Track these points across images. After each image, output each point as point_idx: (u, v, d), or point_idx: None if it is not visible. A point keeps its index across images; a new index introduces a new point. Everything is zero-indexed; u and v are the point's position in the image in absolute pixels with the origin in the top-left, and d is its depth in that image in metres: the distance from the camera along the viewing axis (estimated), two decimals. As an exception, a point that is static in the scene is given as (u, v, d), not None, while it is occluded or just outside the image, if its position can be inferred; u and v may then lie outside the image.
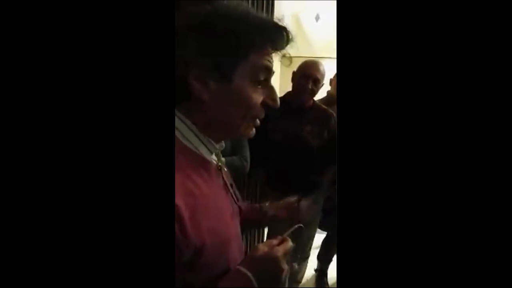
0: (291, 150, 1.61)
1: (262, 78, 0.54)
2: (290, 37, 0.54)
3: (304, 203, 0.84)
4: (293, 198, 0.84)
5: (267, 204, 0.83)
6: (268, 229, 1.90)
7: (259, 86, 0.54)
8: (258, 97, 0.54)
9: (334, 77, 2.25)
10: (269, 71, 0.55)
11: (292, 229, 0.65)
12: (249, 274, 0.53)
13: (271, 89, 0.56)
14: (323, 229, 2.07)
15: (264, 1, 1.58)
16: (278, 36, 0.53)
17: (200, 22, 0.50)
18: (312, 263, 2.19)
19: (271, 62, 0.55)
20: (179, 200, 0.46)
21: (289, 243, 0.59)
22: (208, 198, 0.52)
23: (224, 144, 0.58)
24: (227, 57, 0.50)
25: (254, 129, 0.57)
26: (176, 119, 0.53)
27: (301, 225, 0.67)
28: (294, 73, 1.69)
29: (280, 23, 0.54)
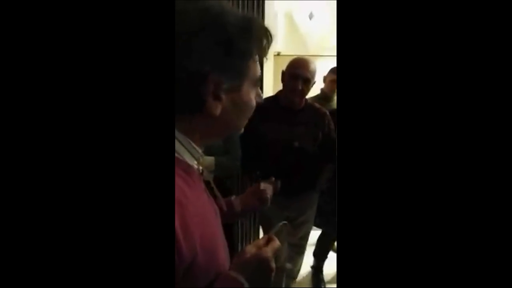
0: (285, 151, 1.59)
1: (257, 81, 0.55)
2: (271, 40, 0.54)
3: (265, 184, 0.86)
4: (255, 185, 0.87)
5: (233, 197, 0.84)
6: (262, 228, 1.91)
7: (254, 89, 0.56)
8: (254, 99, 0.56)
9: (327, 74, 2.26)
10: (260, 75, 0.57)
11: (277, 227, 0.65)
12: (240, 278, 0.53)
13: (258, 88, 0.58)
14: (318, 226, 2.09)
15: (255, 1, 1.58)
16: (266, 40, 0.54)
17: (208, 26, 0.47)
18: (308, 260, 2.20)
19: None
20: None
21: (276, 242, 0.59)
22: (194, 204, 0.51)
23: (203, 148, 0.58)
24: (238, 65, 0.50)
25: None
26: None
27: (285, 222, 0.68)
28: (283, 72, 1.60)
29: (265, 26, 0.53)
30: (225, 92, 0.51)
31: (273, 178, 0.91)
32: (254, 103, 0.56)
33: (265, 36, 0.53)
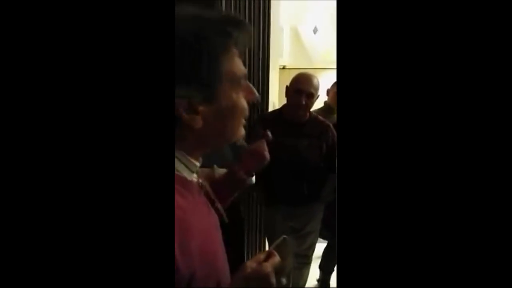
0: (289, 164, 1.61)
1: (241, 81, 0.53)
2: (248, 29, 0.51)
3: (259, 142, 0.85)
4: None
5: (233, 165, 0.84)
6: (268, 239, 1.91)
7: (239, 88, 0.53)
8: (242, 100, 0.53)
9: (331, 87, 2.29)
10: (244, 71, 0.53)
11: (277, 242, 0.66)
12: None
13: (247, 85, 0.55)
14: (324, 238, 2.08)
15: (261, 15, 1.63)
16: (239, 32, 0.50)
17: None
18: (314, 274, 2.18)
19: (241, 61, 0.53)
20: None
21: (277, 258, 0.59)
22: (193, 219, 0.50)
23: (201, 160, 0.57)
24: (205, 73, 0.47)
25: (243, 130, 0.57)
26: None
27: (285, 236, 0.67)
28: (287, 87, 1.66)
29: (235, 16, 0.51)
30: (201, 103, 0.49)
31: (264, 131, 0.89)
32: (241, 106, 0.53)
33: (232, 26, 0.49)
